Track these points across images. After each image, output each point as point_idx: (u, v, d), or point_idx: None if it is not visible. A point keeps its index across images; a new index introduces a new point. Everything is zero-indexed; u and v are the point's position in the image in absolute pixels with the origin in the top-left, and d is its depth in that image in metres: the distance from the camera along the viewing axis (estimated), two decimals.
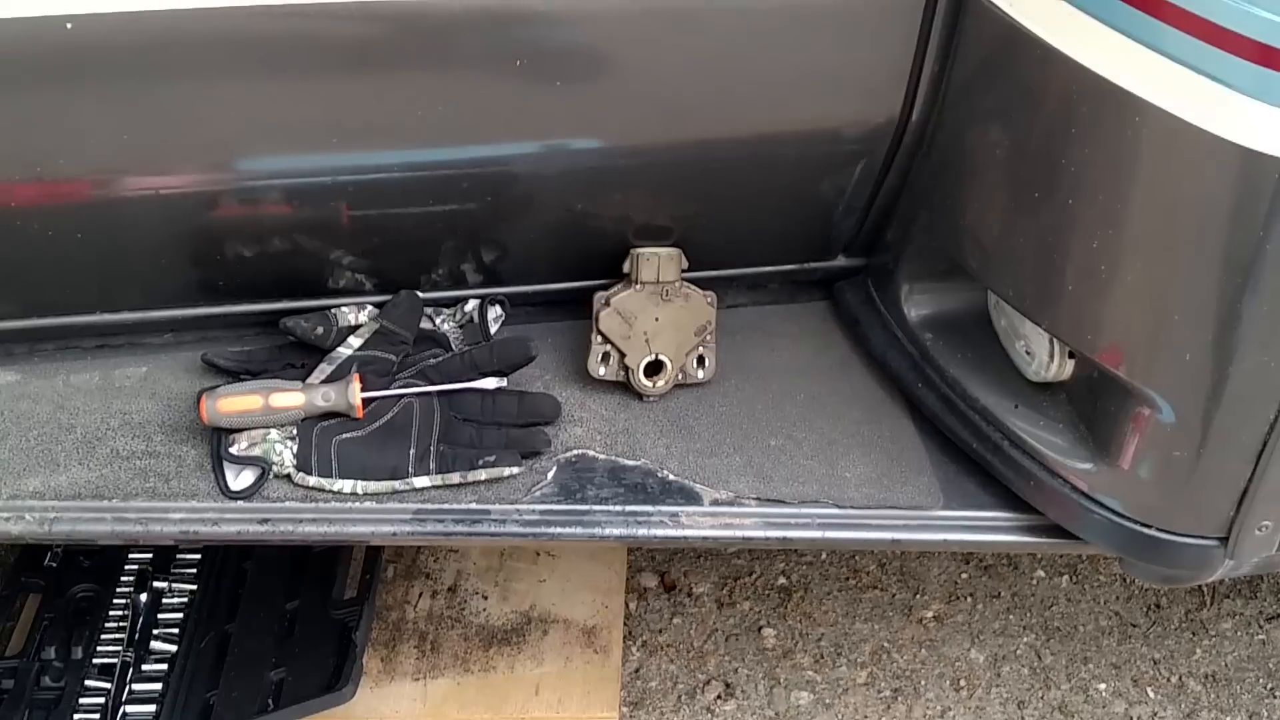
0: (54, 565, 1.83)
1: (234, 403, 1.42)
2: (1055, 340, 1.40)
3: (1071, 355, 1.40)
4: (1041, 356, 1.43)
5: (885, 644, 1.94)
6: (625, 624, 1.92)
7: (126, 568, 1.82)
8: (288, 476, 1.43)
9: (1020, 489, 1.43)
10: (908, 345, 1.56)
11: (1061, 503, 1.40)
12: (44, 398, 1.51)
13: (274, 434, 1.44)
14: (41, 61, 1.21)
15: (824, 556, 2.07)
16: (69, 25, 1.18)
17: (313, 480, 1.43)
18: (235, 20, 1.21)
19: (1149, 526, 1.35)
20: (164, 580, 1.81)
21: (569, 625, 1.88)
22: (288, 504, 1.42)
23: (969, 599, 2.01)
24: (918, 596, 2.01)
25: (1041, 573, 2.05)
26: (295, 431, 1.45)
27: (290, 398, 1.44)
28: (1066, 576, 2.05)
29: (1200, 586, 2.03)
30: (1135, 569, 1.46)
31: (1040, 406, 1.44)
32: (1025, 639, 1.96)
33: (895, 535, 1.45)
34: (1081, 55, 1.19)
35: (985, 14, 1.28)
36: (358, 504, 1.43)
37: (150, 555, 1.84)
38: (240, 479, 1.42)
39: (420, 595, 1.93)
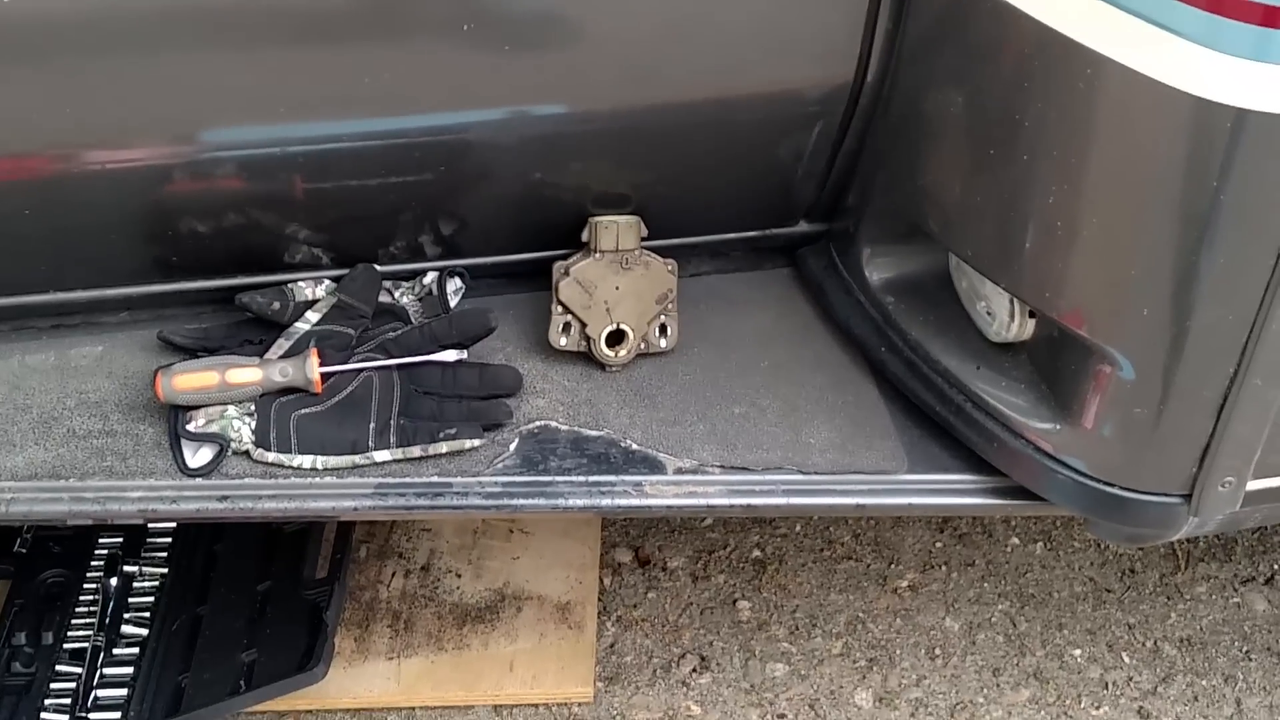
0: (23, 551, 1.83)
1: (190, 379, 1.41)
2: (1015, 300, 1.39)
3: (1032, 315, 1.40)
4: (1002, 316, 1.42)
5: (860, 614, 1.94)
6: (600, 599, 1.92)
7: (96, 552, 1.82)
8: (246, 453, 1.42)
9: (984, 451, 1.43)
10: (870, 309, 1.55)
11: (1025, 464, 1.40)
12: None
13: (232, 410, 1.43)
14: None
15: (798, 528, 2.06)
16: None
17: (271, 456, 1.41)
18: None
19: (1112, 485, 1.35)
20: (134, 564, 1.80)
21: (543, 602, 1.88)
22: (247, 480, 1.41)
23: (943, 568, 2.00)
24: (892, 566, 2.00)
25: (1016, 540, 2.04)
26: (253, 408, 1.43)
27: (247, 373, 1.42)
28: (1040, 543, 2.04)
29: (1174, 550, 2.02)
30: (1100, 529, 1.45)
31: (1002, 367, 1.43)
32: (1000, 606, 1.95)
33: (860, 500, 1.44)
34: (1033, 9, 1.18)
35: None
36: (318, 479, 1.42)
37: (120, 539, 1.83)
38: (198, 456, 1.41)
39: (393, 574, 1.92)
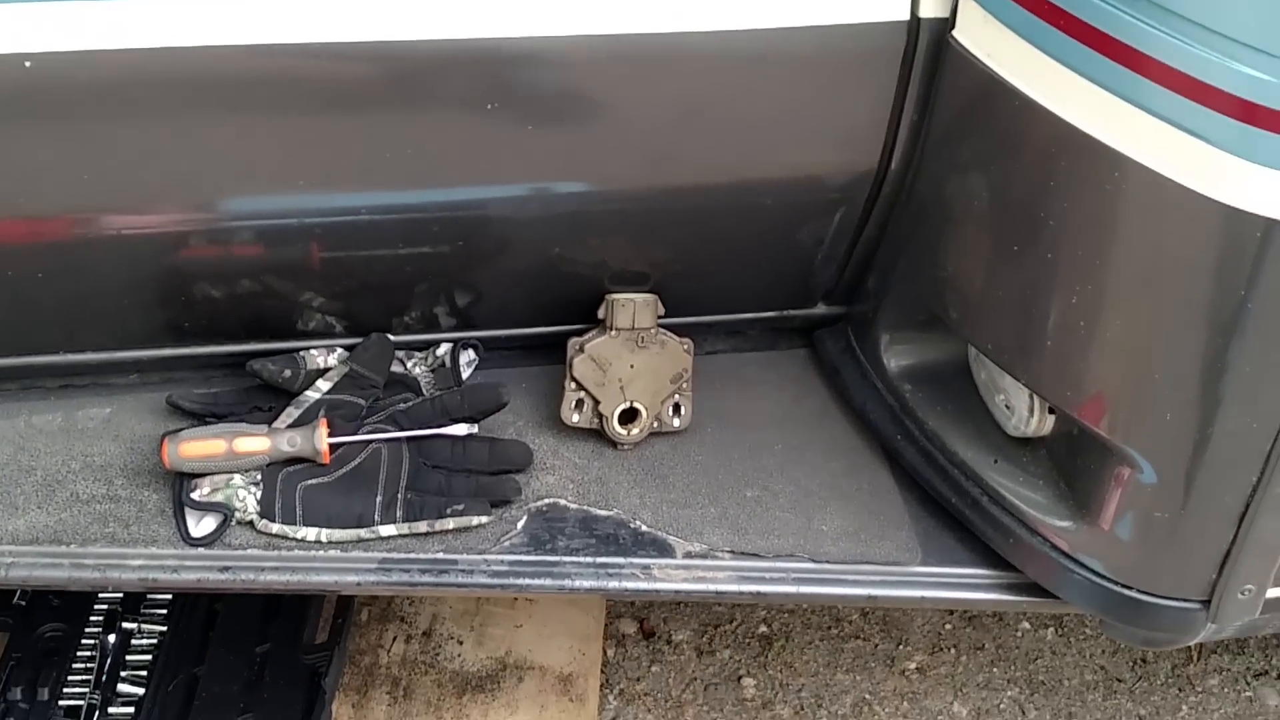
0: (22, 604, 1.80)
1: (197, 447, 1.40)
2: (1034, 395, 1.37)
3: (1052, 411, 1.38)
4: (1021, 411, 1.40)
5: (867, 695, 1.91)
6: (603, 671, 1.89)
7: (96, 607, 1.79)
8: (250, 523, 1.40)
9: (999, 546, 1.41)
10: (887, 396, 1.54)
11: (1041, 561, 1.38)
12: (4, 439, 1.49)
13: (237, 479, 1.41)
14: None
15: (805, 605, 2.03)
16: (27, 64, 1.16)
17: (276, 527, 1.40)
18: (198, 60, 1.20)
19: (1129, 588, 1.33)
20: (133, 621, 1.77)
21: (545, 672, 1.85)
22: (250, 551, 1.39)
23: (952, 650, 1.97)
24: (900, 647, 1.98)
25: (1027, 625, 2.02)
26: (260, 477, 1.42)
27: (255, 442, 1.41)
28: (1052, 629, 2.01)
29: None
30: (1115, 630, 1.43)
31: (1020, 462, 1.42)
32: (1009, 693, 1.92)
33: (872, 591, 1.42)
34: (1061, 108, 1.18)
35: (964, 64, 1.26)
36: (322, 552, 1.40)
37: (120, 595, 1.80)
38: (202, 525, 1.40)
39: (394, 639, 1.90)
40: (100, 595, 1.81)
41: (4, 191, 1.28)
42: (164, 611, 1.80)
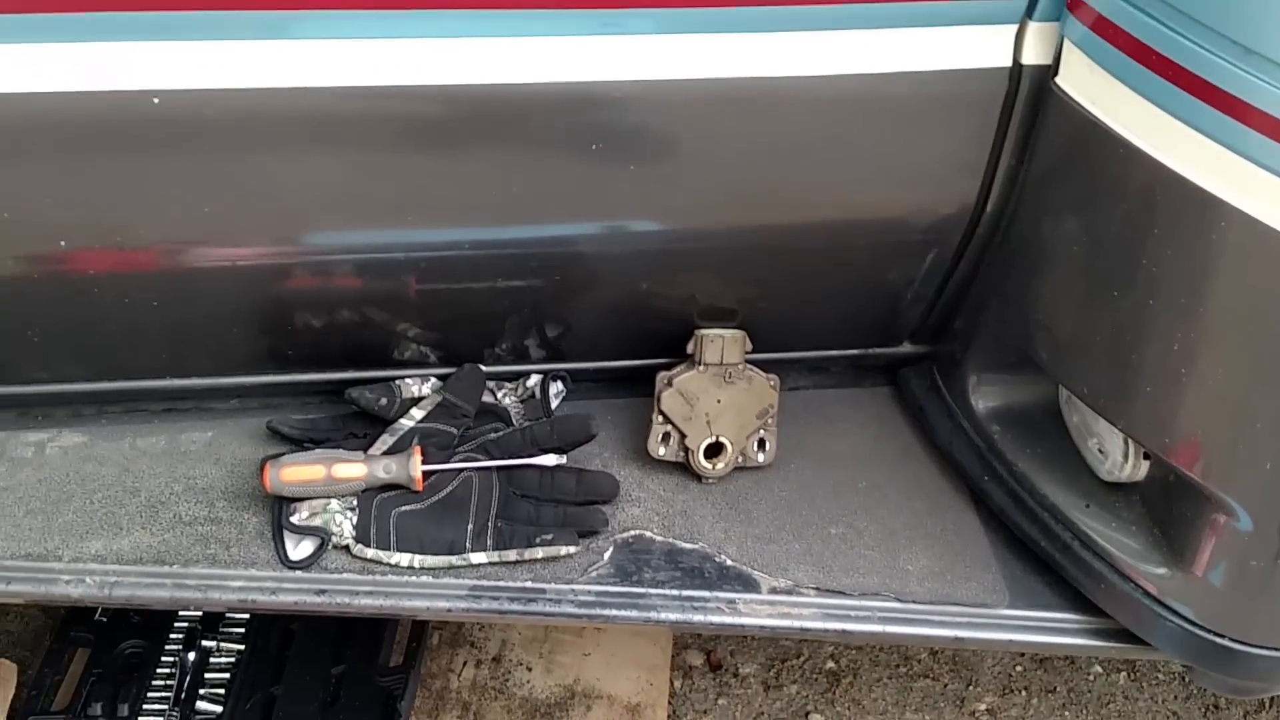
0: (104, 620, 1.83)
1: (297, 472, 1.42)
2: (1130, 440, 1.37)
3: (1146, 456, 1.38)
4: (1115, 456, 1.40)
5: None
6: (670, 703, 1.89)
7: (176, 625, 1.82)
8: (346, 548, 1.42)
9: (1089, 590, 1.41)
10: (974, 436, 1.54)
11: (1131, 607, 1.37)
12: (110, 460, 1.52)
13: (335, 504, 1.43)
14: (128, 133, 1.22)
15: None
16: (156, 100, 1.19)
17: (370, 552, 1.42)
18: (315, 100, 1.22)
19: (1221, 636, 1.32)
20: (212, 639, 1.81)
21: (613, 701, 1.86)
22: (345, 575, 1.41)
23: (1024, 693, 1.96)
24: (971, 688, 1.97)
25: (1099, 668, 2.00)
26: (355, 502, 1.44)
27: (352, 469, 1.43)
28: (1124, 673, 2.00)
29: None
30: (1205, 678, 1.42)
31: (1112, 507, 1.41)
32: None
33: (959, 633, 1.42)
34: (1165, 155, 1.17)
35: (1066, 110, 1.27)
36: (414, 578, 1.42)
37: (199, 614, 1.83)
38: (300, 549, 1.42)
39: (465, 664, 1.91)
40: (180, 613, 1.83)
41: (128, 221, 1.30)
42: (242, 630, 1.82)
